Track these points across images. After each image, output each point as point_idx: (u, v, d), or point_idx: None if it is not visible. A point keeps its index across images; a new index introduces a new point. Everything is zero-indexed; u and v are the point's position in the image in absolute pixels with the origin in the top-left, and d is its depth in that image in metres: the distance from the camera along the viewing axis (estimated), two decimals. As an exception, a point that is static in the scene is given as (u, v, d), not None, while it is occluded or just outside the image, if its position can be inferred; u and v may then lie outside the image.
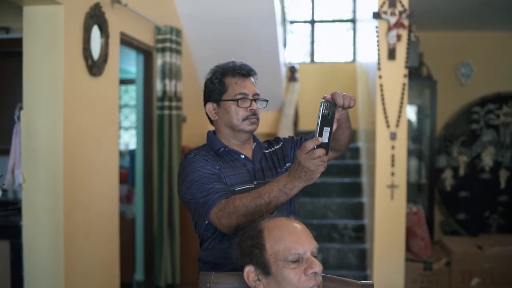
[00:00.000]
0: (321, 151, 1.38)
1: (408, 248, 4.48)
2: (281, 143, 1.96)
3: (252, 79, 1.80)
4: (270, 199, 1.48)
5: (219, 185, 1.62)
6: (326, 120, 1.41)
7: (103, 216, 3.32)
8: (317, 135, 1.39)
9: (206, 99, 1.83)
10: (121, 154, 5.86)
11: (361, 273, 4.52)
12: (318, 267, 1.20)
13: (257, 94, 1.80)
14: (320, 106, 1.41)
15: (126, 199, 4.76)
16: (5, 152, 3.08)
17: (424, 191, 5.47)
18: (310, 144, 1.38)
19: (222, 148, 1.78)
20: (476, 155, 5.54)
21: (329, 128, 1.41)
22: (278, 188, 1.48)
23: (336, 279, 1.42)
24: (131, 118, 6.69)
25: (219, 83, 1.77)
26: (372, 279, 4.22)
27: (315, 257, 1.25)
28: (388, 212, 4.17)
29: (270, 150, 1.91)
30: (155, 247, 4.35)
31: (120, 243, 3.67)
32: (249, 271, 1.24)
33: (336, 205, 5.23)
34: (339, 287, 1.41)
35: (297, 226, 1.26)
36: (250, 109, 1.75)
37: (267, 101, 1.83)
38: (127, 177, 4.88)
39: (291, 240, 1.21)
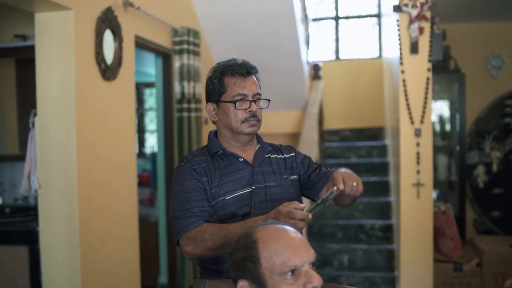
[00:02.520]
0: (303, 215, 1.40)
1: (437, 249, 4.33)
2: (293, 153, 1.87)
3: (253, 77, 1.73)
4: None
5: (196, 207, 1.61)
6: (326, 201, 1.49)
7: (121, 221, 3.31)
8: (309, 211, 1.43)
9: (207, 99, 1.77)
10: (146, 158, 5.89)
11: (389, 274, 4.39)
12: (317, 280, 1.10)
13: (258, 94, 1.72)
14: (330, 193, 1.47)
15: (149, 202, 4.77)
16: (22, 158, 3.10)
17: (455, 188, 5.29)
18: (297, 206, 1.43)
19: (220, 151, 1.73)
20: (509, 150, 5.32)
21: (323, 205, 1.50)
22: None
23: (336, 287, 1.34)
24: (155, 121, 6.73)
25: (218, 82, 1.71)
26: (400, 281, 4.10)
27: (313, 267, 1.15)
28: (415, 211, 4.04)
29: (276, 156, 1.83)
30: (179, 250, 4.33)
31: (143, 247, 3.66)
32: (243, 285, 1.14)
33: (363, 205, 5.11)
34: None
35: (294, 236, 1.16)
36: (250, 111, 1.68)
37: (269, 100, 1.76)
38: (149, 180, 4.88)
39: (288, 253, 1.11)
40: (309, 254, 1.13)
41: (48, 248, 2.88)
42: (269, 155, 1.81)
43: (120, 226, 3.30)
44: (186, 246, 1.57)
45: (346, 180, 1.53)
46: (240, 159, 1.72)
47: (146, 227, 4.39)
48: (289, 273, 1.09)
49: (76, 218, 2.81)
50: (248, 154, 1.75)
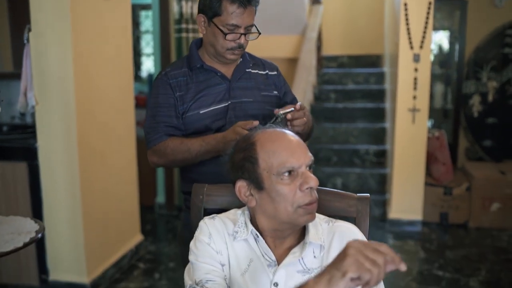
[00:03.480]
0: (254, 123, 1.50)
1: (429, 173, 4.43)
2: (276, 72, 1.87)
3: (252, 8, 1.66)
4: (197, 155, 1.64)
5: (164, 123, 1.69)
6: (278, 117, 1.56)
7: (119, 138, 3.35)
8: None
9: (200, 9, 1.71)
10: (142, 81, 5.85)
11: (381, 197, 4.51)
12: (313, 181, 1.11)
13: (251, 26, 1.69)
14: (276, 118, 1.55)
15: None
16: (17, 76, 3.07)
17: (449, 117, 5.33)
18: (252, 125, 1.50)
19: (199, 65, 1.72)
20: (506, 80, 5.30)
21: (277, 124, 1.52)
22: (205, 148, 1.61)
23: (331, 192, 1.37)
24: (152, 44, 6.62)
25: (217, 2, 1.64)
26: (391, 203, 4.22)
27: (310, 170, 1.16)
28: (409, 136, 4.10)
29: (258, 71, 1.82)
30: (177, 170, 4.40)
31: (140, 167, 3.72)
32: (241, 186, 1.17)
33: (358, 131, 5.16)
34: (334, 200, 1.36)
35: (292, 139, 1.16)
36: (237, 42, 1.66)
37: (260, 33, 1.73)
38: (146, 102, 4.87)
39: (286, 154, 1.12)
40: (306, 157, 1.14)
41: (48, 164, 2.92)
42: (250, 70, 1.80)
43: (118, 144, 3.34)
44: (151, 158, 1.73)
45: (303, 107, 1.60)
46: (218, 73, 1.72)
47: (143, 149, 4.42)
48: (286, 174, 1.12)
49: (75, 134, 2.83)
50: (228, 68, 1.75)
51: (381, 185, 4.69)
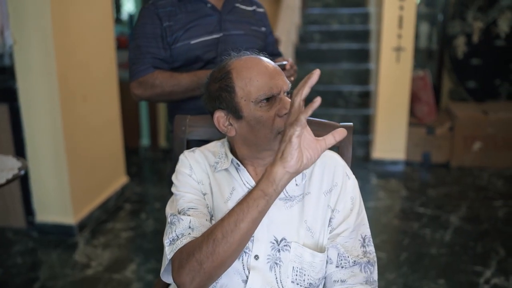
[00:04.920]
0: None
1: (412, 113, 4.45)
2: (263, 10, 1.85)
3: None
4: (187, 89, 1.59)
5: (151, 54, 1.63)
6: None
7: (101, 80, 3.29)
8: None
9: None
10: (123, 24, 5.71)
11: (364, 137, 4.55)
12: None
13: None
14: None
15: (127, 65, 4.69)
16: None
17: (434, 57, 5.30)
18: None
19: None
20: (492, 21, 5.26)
21: None
22: (197, 83, 1.56)
23: (314, 121, 1.36)
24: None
25: None
26: (375, 143, 4.26)
27: (289, 96, 1.14)
28: (394, 75, 4.09)
29: (246, 7, 1.79)
30: (161, 112, 4.37)
31: (123, 110, 3.68)
32: (219, 116, 1.15)
33: (343, 71, 5.14)
34: (317, 129, 1.33)
35: (268, 65, 1.13)
36: None
37: None
38: (127, 43, 4.77)
39: (263, 81, 1.10)
40: (284, 83, 1.12)
41: (29, 106, 2.87)
42: (239, 5, 1.77)
43: (100, 84, 3.28)
44: (136, 90, 1.65)
45: (292, 65, 1.61)
46: (208, 4, 1.68)
47: (126, 90, 4.35)
48: (264, 101, 1.10)
49: (55, 74, 2.77)
50: (216, 1, 1.70)
51: (365, 126, 4.73)
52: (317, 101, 0.87)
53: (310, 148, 0.94)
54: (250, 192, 0.96)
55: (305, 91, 0.89)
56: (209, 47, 1.65)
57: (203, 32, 1.65)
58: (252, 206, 0.95)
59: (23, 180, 3.02)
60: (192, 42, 1.63)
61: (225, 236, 0.96)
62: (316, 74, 0.90)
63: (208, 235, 0.99)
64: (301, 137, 0.91)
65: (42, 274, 2.62)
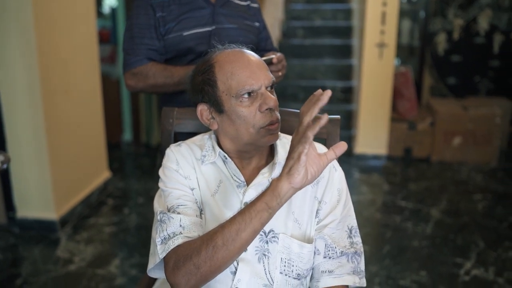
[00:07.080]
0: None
1: (394, 109, 4.50)
2: (257, 5, 1.85)
3: None
4: (179, 81, 1.58)
5: (145, 45, 1.63)
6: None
7: (83, 74, 3.26)
8: None
9: None
10: (104, 17, 5.65)
11: (347, 132, 4.58)
12: (272, 102, 1.09)
13: None
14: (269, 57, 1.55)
15: (110, 59, 4.65)
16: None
17: (415, 54, 5.36)
18: None
19: None
20: (472, 18, 5.34)
21: None
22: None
23: (294, 112, 1.37)
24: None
25: None
26: (357, 138, 4.29)
27: (271, 90, 1.14)
28: (376, 71, 4.13)
29: (240, 2, 1.78)
30: (143, 107, 4.34)
31: (105, 104, 3.65)
32: (202, 109, 1.15)
33: (325, 67, 5.16)
34: (296, 121, 1.31)
35: (251, 59, 1.12)
36: None
37: None
38: (109, 37, 4.73)
39: (244, 75, 1.09)
40: (266, 77, 1.12)
41: (9, 99, 2.82)
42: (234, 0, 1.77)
43: (82, 79, 3.25)
44: (129, 80, 1.67)
45: (281, 59, 1.62)
46: None
47: (108, 85, 4.33)
48: (245, 96, 1.10)
49: (36, 67, 2.73)
50: None
51: (347, 121, 4.76)
52: (325, 118, 0.88)
53: (315, 164, 0.95)
54: (253, 203, 0.97)
55: (315, 112, 0.91)
56: (202, 39, 1.65)
57: (195, 24, 1.64)
58: (255, 217, 0.96)
59: (4, 175, 2.98)
60: (185, 33, 1.63)
61: (226, 244, 0.97)
62: (326, 95, 0.92)
63: (208, 240, 0.99)
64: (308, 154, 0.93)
65: (24, 270, 2.59)
